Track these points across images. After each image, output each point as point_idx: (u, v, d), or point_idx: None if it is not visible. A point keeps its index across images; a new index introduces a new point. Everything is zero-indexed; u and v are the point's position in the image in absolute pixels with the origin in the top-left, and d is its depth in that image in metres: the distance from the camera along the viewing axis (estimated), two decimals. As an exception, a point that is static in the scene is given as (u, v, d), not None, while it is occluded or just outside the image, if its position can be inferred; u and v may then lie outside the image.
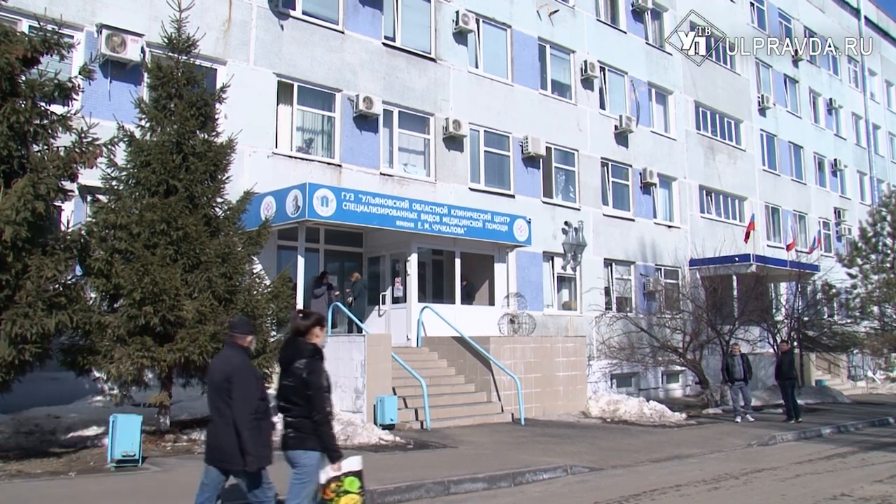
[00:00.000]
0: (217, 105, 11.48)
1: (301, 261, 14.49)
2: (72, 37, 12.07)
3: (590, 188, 22.31)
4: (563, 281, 21.37)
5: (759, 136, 30.31)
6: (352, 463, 5.20)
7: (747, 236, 25.88)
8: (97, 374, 10.35)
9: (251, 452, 5.20)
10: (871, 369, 29.72)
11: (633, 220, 23.63)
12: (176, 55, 10.96)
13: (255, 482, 5.33)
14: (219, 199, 11.11)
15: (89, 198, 10.66)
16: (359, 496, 5.13)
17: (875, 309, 26.63)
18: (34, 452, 9.23)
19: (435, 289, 18.09)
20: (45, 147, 9.18)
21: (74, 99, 9.58)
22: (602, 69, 23.30)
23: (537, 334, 17.54)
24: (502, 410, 14.55)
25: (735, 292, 22.49)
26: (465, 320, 16.11)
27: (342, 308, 14.86)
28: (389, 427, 12.13)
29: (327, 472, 5.08)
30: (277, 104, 15.86)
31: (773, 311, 23.58)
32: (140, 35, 13.50)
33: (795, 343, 21.80)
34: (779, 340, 20.78)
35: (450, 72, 19.07)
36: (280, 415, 5.26)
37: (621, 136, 23.53)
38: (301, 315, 5.33)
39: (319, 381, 5.12)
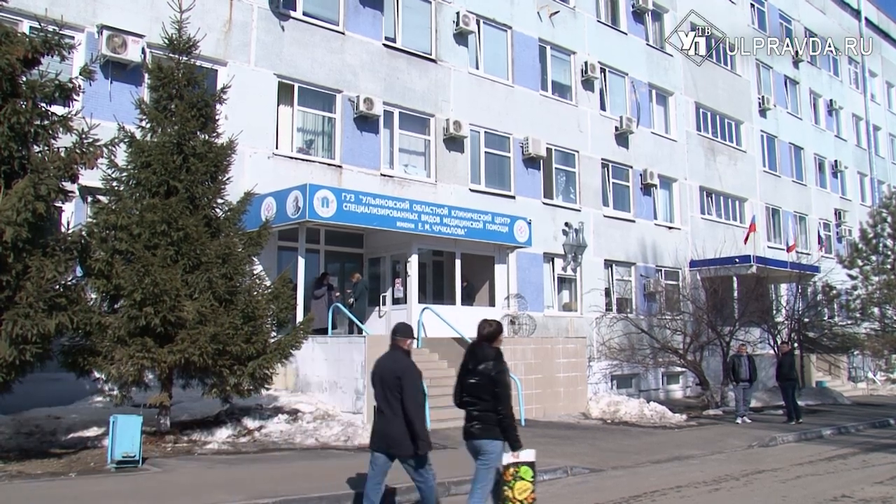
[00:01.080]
0: (217, 106, 11.49)
1: (301, 262, 14.49)
2: (72, 38, 12.07)
3: (590, 189, 22.31)
4: (563, 282, 21.37)
5: (760, 137, 30.30)
6: (528, 454, 5.94)
7: (747, 238, 25.87)
8: (97, 375, 10.34)
9: (423, 437, 6.11)
10: (871, 371, 29.70)
11: (633, 221, 23.63)
12: (177, 56, 10.96)
13: (422, 463, 6.24)
14: (219, 200, 11.11)
15: (90, 198, 10.66)
16: (531, 483, 5.88)
17: (875, 310, 26.60)
18: (35, 453, 9.23)
19: (435, 290, 18.08)
20: (46, 148, 9.18)
21: (75, 100, 9.57)
22: (602, 70, 23.30)
23: (538, 335, 17.53)
24: (503, 411, 14.52)
25: (735, 293, 22.48)
26: (466, 321, 16.06)
27: (342, 309, 14.85)
28: (390, 428, 12.10)
29: (507, 458, 5.85)
30: (278, 105, 15.87)
31: (774, 312, 23.57)
32: (141, 36, 13.50)
33: (796, 344, 21.78)
34: (779, 342, 20.78)
35: (450, 73, 19.07)
36: (464, 409, 6.16)
37: (622, 138, 23.53)
38: (488, 323, 6.25)
39: (506, 379, 5.99)
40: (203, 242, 10.23)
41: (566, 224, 20.74)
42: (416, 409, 6.14)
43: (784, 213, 30.99)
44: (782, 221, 30.82)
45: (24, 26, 11.65)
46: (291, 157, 15.89)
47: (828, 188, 34.52)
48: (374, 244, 16.90)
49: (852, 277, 26.70)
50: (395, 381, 6.19)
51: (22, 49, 8.88)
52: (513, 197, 19.99)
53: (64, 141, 9.32)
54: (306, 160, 16.14)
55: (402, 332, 6.58)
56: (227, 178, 11.22)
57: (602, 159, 22.88)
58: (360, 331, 14.44)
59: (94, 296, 10.05)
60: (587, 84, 22.67)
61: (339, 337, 14.39)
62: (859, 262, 26.89)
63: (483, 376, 5.96)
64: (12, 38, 8.96)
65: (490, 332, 6.17)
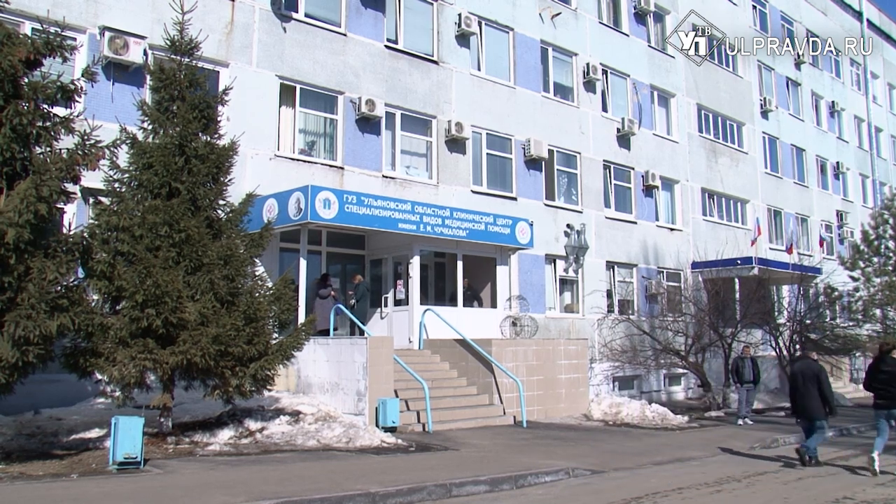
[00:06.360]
0: (219, 107, 11.48)
1: (303, 263, 14.50)
2: (74, 39, 12.09)
3: (592, 191, 22.31)
4: (565, 283, 21.36)
5: (762, 138, 30.29)
6: None
7: (755, 242, 25.81)
8: (99, 377, 10.32)
9: (833, 407, 10.81)
10: (873, 372, 29.57)
11: (635, 222, 23.62)
12: (178, 57, 10.95)
13: (824, 424, 10.90)
14: (221, 202, 11.11)
15: (91, 200, 10.62)
16: None
17: (877, 312, 26.55)
18: (36, 454, 9.23)
19: (437, 291, 18.08)
20: (48, 149, 9.16)
21: (77, 101, 9.57)
22: (604, 72, 23.31)
23: (539, 337, 17.53)
24: (504, 413, 14.53)
25: (737, 295, 22.47)
26: (467, 323, 16.08)
27: (344, 310, 14.86)
28: (391, 429, 12.12)
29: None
30: (280, 106, 15.88)
31: (776, 313, 23.54)
32: (143, 37, 13.53)
33: (797, 346, 21.75)
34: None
35: (452, 74, 19.08)
36: (873, 391, 10.64)
37: (623, 139, 23.53)
38: (886, 343, 10.95)
39: None
40: (205, 244, 10.23)
41: (568, 226, 20.76)
42: (831, 393, 10.81)
43: (786, 215, 30.97)
44: (784, 223, 30.80)
45: (26, 27, 11.68)
46: (293, 159, 15.90)
47: (829, 190, 34.50)
48: (376, 245, 16.91)
49: (854, 279, 26.66)
50: (813, 376, 10.78)
51: (24, 50, 8.87)
52: (514, 198, 19.99)
53: (66, 142, 9.31)
54: (308, 162, 16.15)
55: (810, 349, 12.82)
56: (229, 180, 11.22)
57: (604, 161, 22.87)
58: (361, 332, 14.45)
59: (95, 297, 10.04)
60: (589, 86, 22.68)
61: (340, 338, 14.39)
62: (861, 264, 26.84)
63: (890, 374, 10.31)
64: (14, 39, 8.96)
65: (889, 348, 10.71)
